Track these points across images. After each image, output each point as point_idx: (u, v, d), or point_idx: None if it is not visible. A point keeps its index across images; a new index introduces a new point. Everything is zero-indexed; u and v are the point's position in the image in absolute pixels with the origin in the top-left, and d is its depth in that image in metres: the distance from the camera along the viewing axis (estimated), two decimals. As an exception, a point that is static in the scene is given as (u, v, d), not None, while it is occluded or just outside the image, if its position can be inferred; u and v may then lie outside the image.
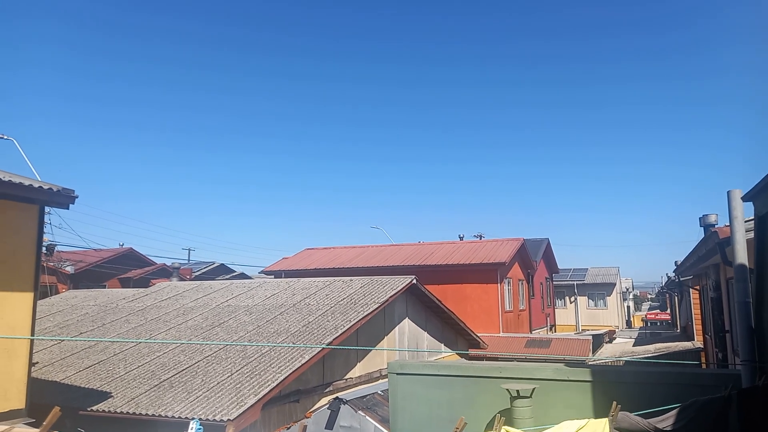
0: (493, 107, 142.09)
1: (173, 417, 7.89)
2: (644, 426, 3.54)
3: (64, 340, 12.30)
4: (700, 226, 13.55)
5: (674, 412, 3.59)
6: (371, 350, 12.45)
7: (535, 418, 4.28)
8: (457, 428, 3.41)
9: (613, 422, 3.60)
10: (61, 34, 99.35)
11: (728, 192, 4.70)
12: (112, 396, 8.94)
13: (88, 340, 11.45)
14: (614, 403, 3.58)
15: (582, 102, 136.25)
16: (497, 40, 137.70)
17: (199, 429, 2.96)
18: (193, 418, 3.06)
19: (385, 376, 12.36)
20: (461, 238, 30.89)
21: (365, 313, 11.55)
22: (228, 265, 37.30)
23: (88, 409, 8.47)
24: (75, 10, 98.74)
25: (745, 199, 4.58)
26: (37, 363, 10.88)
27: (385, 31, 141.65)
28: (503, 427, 3.53)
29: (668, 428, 3.50)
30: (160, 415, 8.03)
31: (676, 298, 29.99)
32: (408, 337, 14.24)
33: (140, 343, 11.59)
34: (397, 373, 5.54)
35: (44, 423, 2.38)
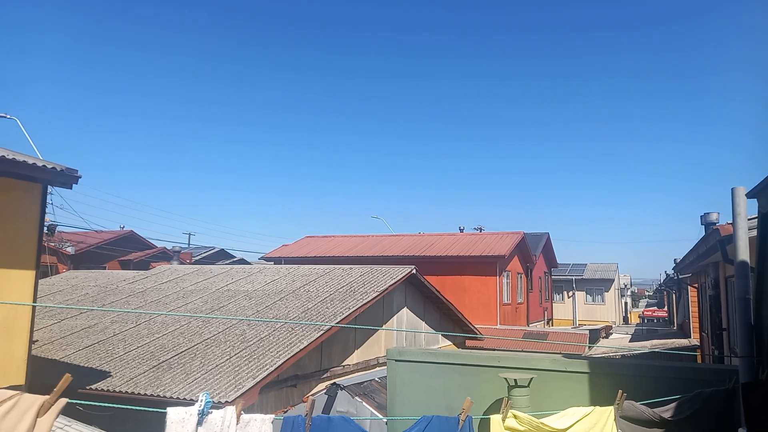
0: (498, 101, 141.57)
1: (171, 397, 7.94)
2: (650, 415, 3.57)
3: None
4: (701, 224, 13.55)
5: (678, 402, 3.62)
6: (369, 338, 12.50)
7: (533, 408, 4.31)
8: (464, 409, 3.43)
9: (618, 410, 3.62)
10: (64, 22, 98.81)
11: (732, 189, 4.70)
12: (111, 375, 9.01)
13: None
14: (620, 391, 3.60)
15: (584, 96, 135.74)
16: (502, 34, 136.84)
17: (209, 402, 2.98)
18: (203, 392, 3.07)
19: (382, 364, 12.46)
20: (461, 231, 30.90)
21: (365, 301, 11.59)
22: (228, 251, 37.37)
23: (87, 388, 8.53)
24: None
25: (749, 195, 4.58)
26: (37, 341, 10.94)
27: (391, 24, 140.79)
28: (510, 410, 3.55)
29: (673, 418, 3.53)
30: (158, 395, 8.09)
31: (674, 295, 30.07)
32: (406, 327, 14.29)
33: (140, 324, 11.64)
34: (396, 360, 5.57)
35: (55, 389, 2.39)
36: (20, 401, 2.35)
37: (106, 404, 3.50)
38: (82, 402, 3.66)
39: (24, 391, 6.57)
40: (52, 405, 2.44)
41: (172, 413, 3.00)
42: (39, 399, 2.42)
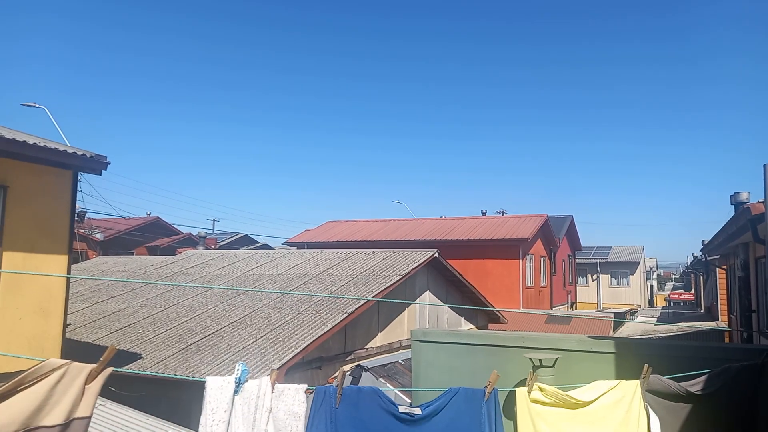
0: (521, 85, 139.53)
1: (199, 378, 8.14)
2: (676, 389, 3.55)
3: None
4: (731, 204, 13.23)
5: (706, 377, 3.59)
6: (392, 321, 12.59)
7: (558, 388, 4.31)
8: (490, 382, 3.46)
9: (645, 384, 3.60)
10: (94, 8, 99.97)
11: (765, 165, 4.59)
12: (142, 357, 9.26)
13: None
14: (646, 365, 3.58)
15: (608, 82, 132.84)
16: (523, 17, 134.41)
17: (245, 371, 3.08)
18: (240, 362, 3.19)
19: (405, 347, 12.55)
20: (484, 214, 30.76)
21: (388, 284, 11.66)
22: (251, 236, 37.81)
23: (119, 369, 8.78)
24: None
25: (781, 172, 4.47)
26: (70, 324, 11.28)
27: (414, 7, 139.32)
28: (536, 383, 3.56)
29: (700, 392, 3.50)
30: (186, 376, 8.30)
31: (701, 277, 29.55)
32: (429, 310, 14.35)
33: (169, 308, 11.90)
34: (420, 341, 5.60)
35: (101, 359, 2.50)
36: (70, 369, 2.49)
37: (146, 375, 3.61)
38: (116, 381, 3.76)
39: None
40: (99, 373, 2.57)
41: (211, 381, 3.12)
42: (87, 367, 2.55)
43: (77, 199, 7.48)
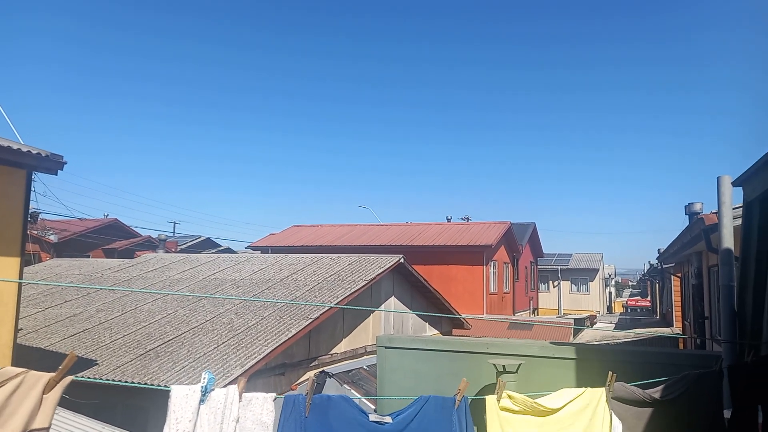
0: (485, 89, 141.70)
1: (159, 386, 7.92)
2: (641, 395, 3.64)
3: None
4: (686, 213, 13.75)
5: (667, 384, 3.70)
6: (356, 327, 12.55)
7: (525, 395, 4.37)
8: (459, 390, 3.47)
9: (610, 392, 3.68)
10: (52, 2, 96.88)
11: (718, 177, 4.77)
12: (98, 364, 8.95)
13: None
14: (610, 373, 3.67)
15: (569, 86, 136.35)
16: (492, 21, 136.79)
17: (212, 379, 2.99)
18: (206, 370, 3.10)
19: (370, 353, 12.53)
20: (449, 220, 31.03)
21: (353, 290, 11.61)
22: (214, 240, 37.18)
23: (78, 377, 8.47)
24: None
25: (735, 184, 4.66)
26: (22, 329, 10.82)
27: (385, 9, 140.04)
28: (504, 390, 3.59)
29: (663, 398, 3.61)
30: (145, 384, 8.06)
31: (657, 285, 30.53)
32: (394, 315, 14.36)
33: (127, 312, 11.56)
34: (386, 347, 5.61)
35: (60, 367, 2.39)
36: (26, 378, 2.38)
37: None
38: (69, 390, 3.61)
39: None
40: (58, 382, 2.46)
41: (176, 390, 3.02)
42: (45, 376, 2.44)
43: (30, 199, 7.19)
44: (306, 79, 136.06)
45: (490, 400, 3.60)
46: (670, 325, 21.05)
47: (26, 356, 9.09)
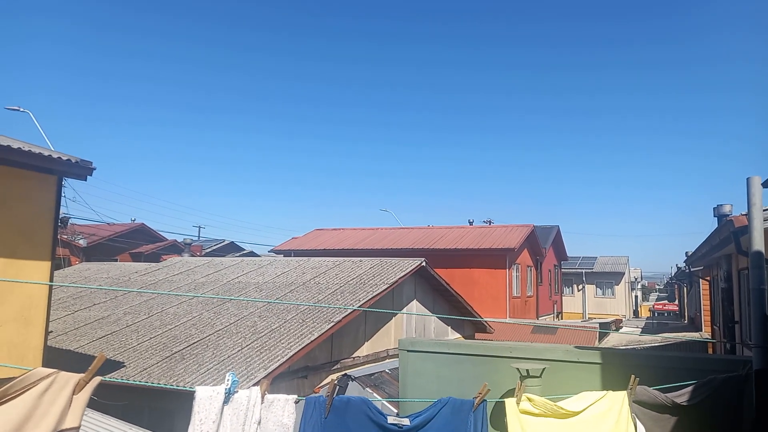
0: (510, 93, 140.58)
1: (185, 388, 8.03)
2: (663, 400, 3.58)
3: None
4: (714, 216, 13.46)
5: (691, 388, 3.63)
6: (378, 331, 12.55)
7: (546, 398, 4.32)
8: (479, 393, 3.46)
9: (632, 395, 3.63)
10: (77, 9, 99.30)
11: (748, 178, 4.66)
12: (125, 366, 9.12)
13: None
14: (632, 376, 3.61)
15: (593, 89, 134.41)
16: (514, 21, 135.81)
17: (236, 381, 3.04)
18: (230, 372, 3.16)
19: (392, 356, 12.52)
20: (471, 223, 30.88)
21: (375, 293, 11.63)
22: (238, 243, 37.56)
23: (106, 378, 8.64)
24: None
25: (765, 185, 4.55)
26: (52, 332, 11.09)
27: (406, 11, 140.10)
28: (524, 394, 3.57)
29: (686, 403, 3.54)
30: (172, 386, 8.19)
31: (685, 288, 29.89)
32: (416, 319, 14.34)
33: (153, 315, 11.76)
34: (408, 350, 5.60)
35: (90, 368, 2.45)
36: (57, 379, 2.44)
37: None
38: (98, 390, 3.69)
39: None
40: (87, 383, 2.52)
41: (201, 391, 3.07)
42: (75, 377, 2.50)
43: (61, 204, 7.38)
44: (327, 84, 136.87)
45: (510, 403, 3.58)
46: (698, 329, 20.60)
47: (56, 358, 9.31)
